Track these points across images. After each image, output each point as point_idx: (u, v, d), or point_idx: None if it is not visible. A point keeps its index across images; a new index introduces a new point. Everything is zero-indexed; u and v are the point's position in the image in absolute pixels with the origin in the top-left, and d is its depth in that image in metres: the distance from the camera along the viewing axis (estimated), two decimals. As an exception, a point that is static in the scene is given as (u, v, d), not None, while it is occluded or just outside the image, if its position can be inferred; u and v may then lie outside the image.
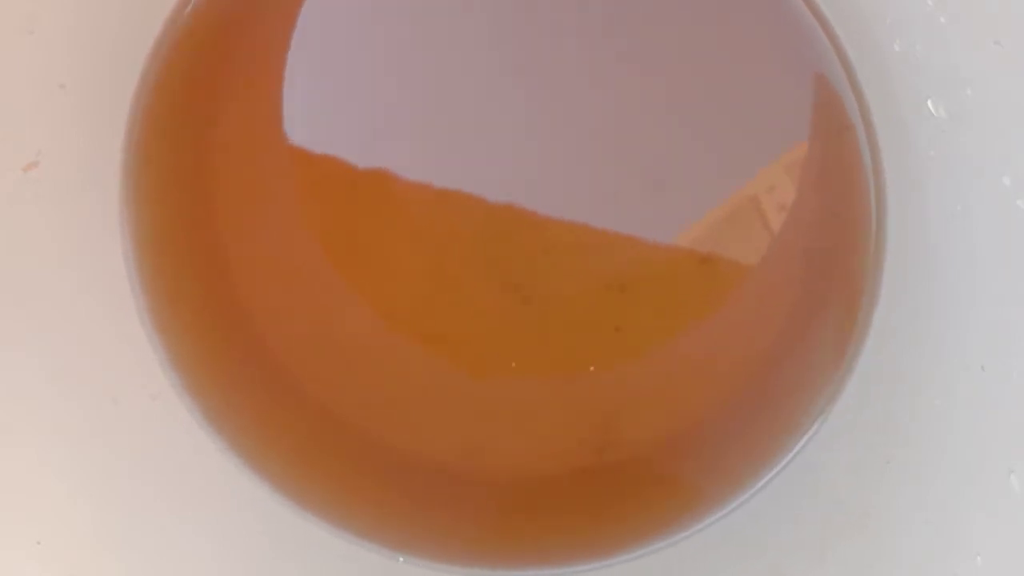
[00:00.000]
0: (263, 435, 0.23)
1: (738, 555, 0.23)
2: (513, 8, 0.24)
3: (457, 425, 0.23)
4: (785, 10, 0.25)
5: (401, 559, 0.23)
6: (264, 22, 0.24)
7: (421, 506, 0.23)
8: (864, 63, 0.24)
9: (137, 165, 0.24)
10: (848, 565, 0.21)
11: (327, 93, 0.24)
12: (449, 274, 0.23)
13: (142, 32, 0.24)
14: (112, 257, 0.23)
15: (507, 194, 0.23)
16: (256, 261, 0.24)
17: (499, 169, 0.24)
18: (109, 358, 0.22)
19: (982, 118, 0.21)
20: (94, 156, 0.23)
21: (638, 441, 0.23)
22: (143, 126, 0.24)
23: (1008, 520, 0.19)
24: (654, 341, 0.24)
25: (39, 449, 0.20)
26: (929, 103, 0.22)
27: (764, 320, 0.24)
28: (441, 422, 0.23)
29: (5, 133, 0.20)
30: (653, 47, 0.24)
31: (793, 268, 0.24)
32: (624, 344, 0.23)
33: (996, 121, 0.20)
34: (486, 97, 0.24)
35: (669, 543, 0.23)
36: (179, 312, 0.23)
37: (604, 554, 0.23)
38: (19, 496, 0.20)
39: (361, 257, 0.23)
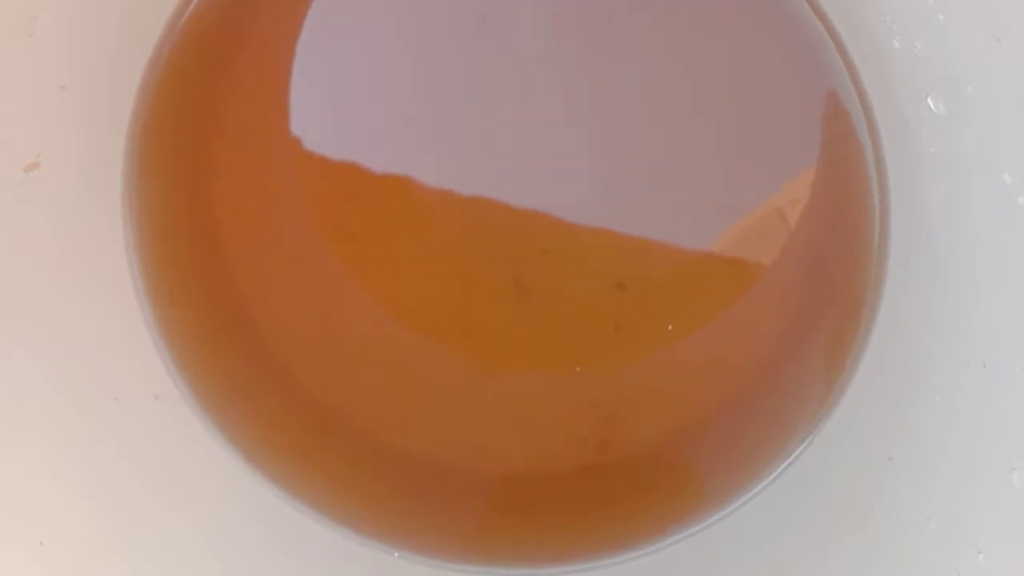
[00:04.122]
0: (266, 434, 0.23)
1: (740, 554, 0.23)
2: (521, 13, 0.24)
3: (458, 423, 0.23)
4: (786, 9, 0.25)
5: (396, 554, 0.23)
6: (265, 21, 0.24)
7: (423, 504, 0.23)
8: (864, 61, 0.24)
9: (139, 165, 0.24)
10: (850, 563, 0.21)
11: (328, 92, 0.24)
12: (450, 273, 0.23)
13: (142, 33, 0.24)
14: (113, 257, 0.23)
15: (508, 193, 0.23)
16: (259, 260, 0.24)
17: (501, 168, 0.24)
18: (111, 358, 0.22)
19: (982, 115, 0.21)
20: (94, 157, 0.23)
21: (639, 440, 0.23)
22: (145, 126, 0.24)
23: (1010, 517, 0.19)
24: (654, 340, 0.24)
25: (41, 449, 0.20)
26: (929, 100, 0.22)
27: (767, 319, 0.24)
28: (442, 420, 0.23)
29: (6, 134, 0.20)
30: (655, 45, 0.24)
31: (795, 267, 0.24)
32: (624, 343, 0.23)
33: (996, 118, 0.20)
34: (489, 98, 0.24)
35: (670, 542, 0.23)
36: (181, 311, 0.23)
37: (605, 553, 0.23)
38: (21, 496, 0.20)
39: (362, 256, 0.24)
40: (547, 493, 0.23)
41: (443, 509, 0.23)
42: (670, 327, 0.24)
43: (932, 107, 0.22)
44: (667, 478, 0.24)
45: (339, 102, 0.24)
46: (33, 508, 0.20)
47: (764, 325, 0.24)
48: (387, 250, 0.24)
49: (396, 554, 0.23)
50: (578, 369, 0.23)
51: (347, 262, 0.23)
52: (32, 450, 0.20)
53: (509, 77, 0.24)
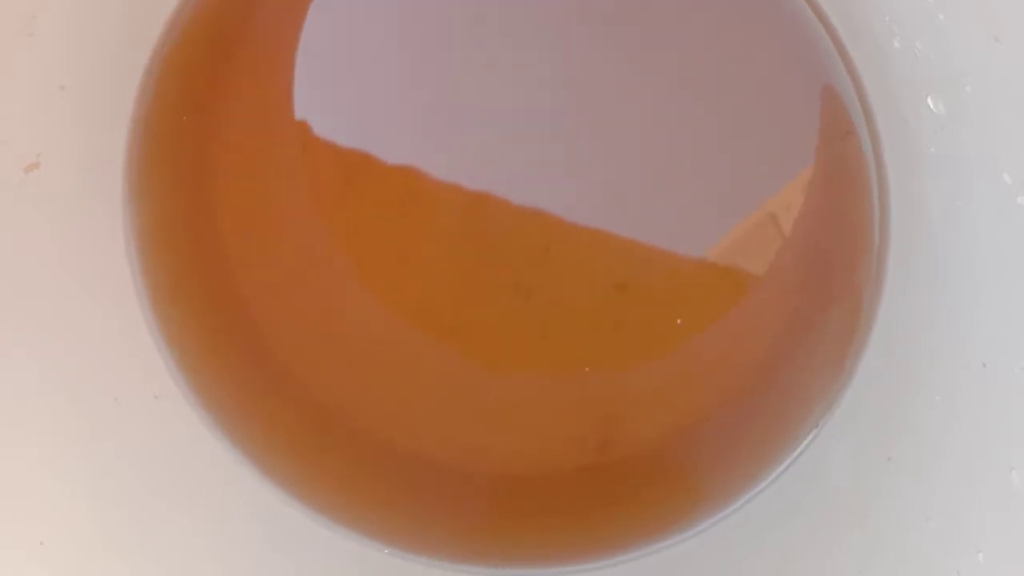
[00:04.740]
0: (266, 433, 0.23)
1: (740, 554, 0.23)
2: (524, 13, 0.24)
3: (458, 423, 0.23)
4: (786, 9, 0.25)
5: (387, 551, 0.23)
6: (264, 21, 0.24)
7: (423, 504, 0.23)
8: (864, 61, 0.24)
9: (139, 165, 0.24)
10: (850, 563, 0.21)
11: (328, 90, 0.24)
12: (450, 272, 0.23)
13: (142, 33, 0.24)
14: (113, 257, 0.23)
15: (509, 193, 0.23)
16: (258, 259, 0.24)
17: (502, 168, 0.24)
18: (111, 357, 0.22)
19: (982, 115, 0.21)
20: (94, 157, 0.23)
21: (639, 440, 0.23)
22: (145, 126, 0.24)
23: (1010, 517, 0.19)
24: (654, 340, 0.24)
25: (41, 448, 0.20)
26: (929, 100, 0.22)
27: (767, 319, 0.24)
28: (442, 420, 0.23)
29: (6, 134, 0.20)
30: (655, 46, 0.24)
31: (795, 267, 0.24)
32: (624, 342, 0.23)
33: (996, 117, 0.20)
34: (491, 98, 0.24)
35: (670, 543, 0.23)
36: (181, 311, 0.23)
37: (605, 553, 0.23)
38: (21, 496, 0.20)
39: (362, 255, 0.24)
40: (547, 493, 0.23)
41: (443, 509, 0.23)
42: (670, 327, 0.24)
43: (932, 107, 0.22)
44: (667, 478, 0.24)
45: (338, 102, 0.24)
46: (33, 508, 0.20)
47: (764, 325, 0.24)
48: (387, 249, 0.24)
49: (387, 551, 0.23)
50: (578, 369, 0.23)
51: (347, 261, 0.23)
52: (32, 450, 0.20)
53: (507, 75, 0.24)
